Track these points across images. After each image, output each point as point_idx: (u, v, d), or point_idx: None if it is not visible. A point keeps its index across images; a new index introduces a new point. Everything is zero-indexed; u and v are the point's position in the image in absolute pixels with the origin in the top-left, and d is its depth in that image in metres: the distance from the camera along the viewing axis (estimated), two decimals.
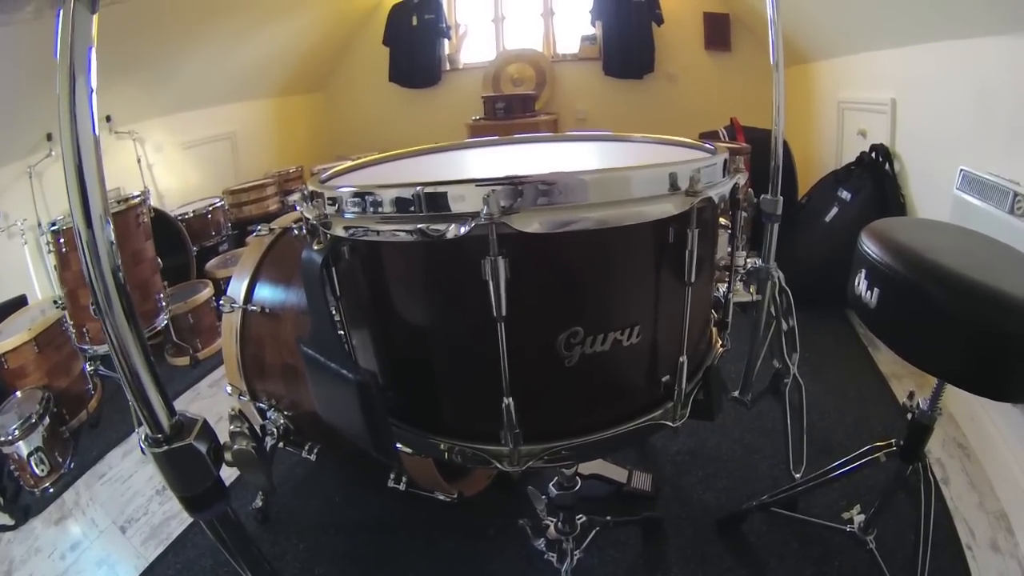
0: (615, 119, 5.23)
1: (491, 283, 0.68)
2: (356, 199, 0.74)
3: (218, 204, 4.05)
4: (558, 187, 0.68)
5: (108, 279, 0.63)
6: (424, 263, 0.76)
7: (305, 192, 0.84)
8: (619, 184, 0.71)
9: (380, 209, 0.72)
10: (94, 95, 0.61)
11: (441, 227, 0.67)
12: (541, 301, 0.74)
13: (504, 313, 0.69)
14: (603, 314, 0.76)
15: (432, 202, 0.68)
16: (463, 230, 0.66)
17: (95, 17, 0.61)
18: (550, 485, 1.25)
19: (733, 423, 2.20)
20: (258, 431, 1.74)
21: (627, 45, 4.97)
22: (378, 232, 0.71)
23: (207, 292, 3.22)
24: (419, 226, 0.68)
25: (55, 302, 2.64)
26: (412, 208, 0.69)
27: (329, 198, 0.77)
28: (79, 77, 0.60)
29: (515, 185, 0.67)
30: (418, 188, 0.68)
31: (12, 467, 2.15)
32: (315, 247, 0.76)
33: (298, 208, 0.85)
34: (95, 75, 0.61)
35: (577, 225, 0.68)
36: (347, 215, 0.75)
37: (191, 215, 3.84)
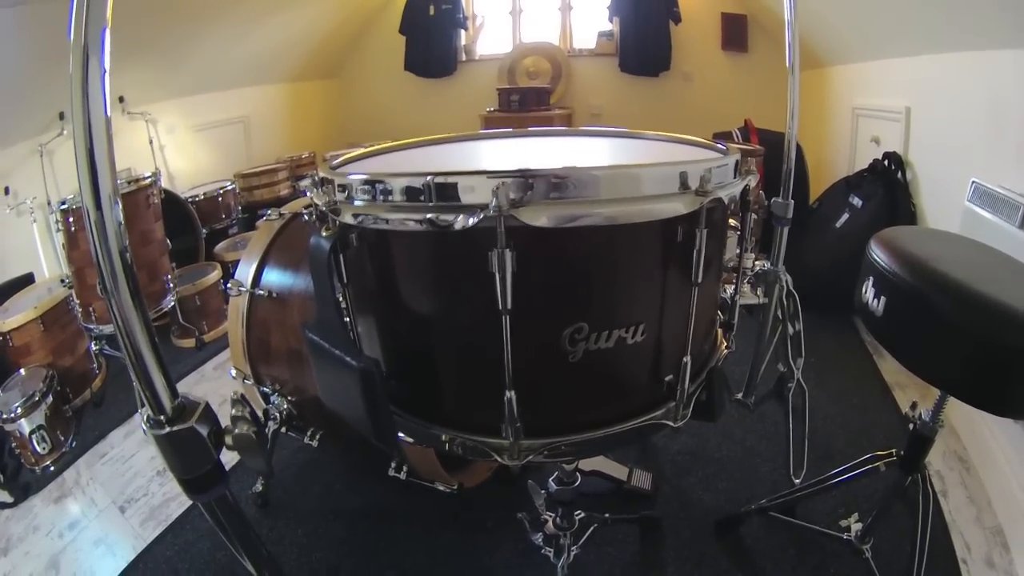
0: (630, 116, 5.22)
1: (498, 276, 0.68)
2: (366, 187, 0.74)
3: (229, 187, 4.06)
4: (568, 182, 0.68)
5: (115, 259, 0.63)
6: (432, 253, 0.76)
7: (315, 178, 0.84)
8: (629, 181, 0.70)
9: (390, 197, 0.72)
10: (107, 76, 0.60)
11: (450, 217, 0.67)
12: (547, 296, 0.74)
13: (510, 306, 0.69)
14: (609, 311, 0.75)
15: (442, 192, 0.68)
16: (471, 221, 0.66)
17: None
18: (550, 480, 1.25)
19: (735, 425, 2.19)
20: (260, 415, 1.74)
21: (644, 42, 4.95)
22: (387, 220, 0.71)
23: (215, 275, 3.24)
24: (428, 216, 0.68)
25: (62, 281, 2.66)
26: (422, 197, 0.69)
27: (339, 185, 0.77)
28: (92, 58, 0.59)
29: (526, 178, 0.66)
30: (428, 178, 0.68)
31: (13, 444, 2.16)
32: (324, 233, 0.76)
33: (308, 194, 0.85)
34: (108, 56, 0.60)
35: (586, 221, 0.67)
36: (357, 202, 0.75)
37: (201, 197, 3.85)
